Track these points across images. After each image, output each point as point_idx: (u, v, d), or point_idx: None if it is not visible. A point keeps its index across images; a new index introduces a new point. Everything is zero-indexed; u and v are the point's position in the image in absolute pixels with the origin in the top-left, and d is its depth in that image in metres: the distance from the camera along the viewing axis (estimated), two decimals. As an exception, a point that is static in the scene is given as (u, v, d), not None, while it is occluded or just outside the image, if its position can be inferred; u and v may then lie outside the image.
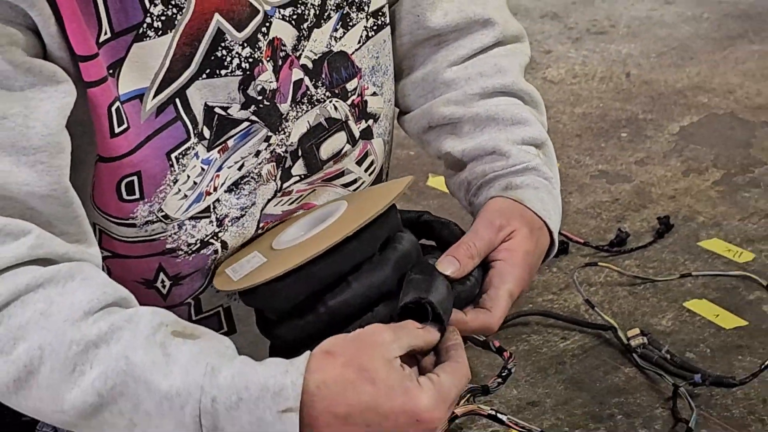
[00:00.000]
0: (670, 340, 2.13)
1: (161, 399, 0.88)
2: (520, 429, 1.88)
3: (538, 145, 1.15)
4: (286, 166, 1.09)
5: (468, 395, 1.92)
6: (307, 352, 0.89)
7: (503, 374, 1.97)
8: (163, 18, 0.94)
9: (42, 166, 0.90)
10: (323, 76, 1.08)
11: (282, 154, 1.08)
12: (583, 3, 3.83)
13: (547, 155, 1.16)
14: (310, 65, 1.07)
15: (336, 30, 1.08)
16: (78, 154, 0.96)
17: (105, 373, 0.88)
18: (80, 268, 0.92)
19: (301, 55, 1.06)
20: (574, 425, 1.94)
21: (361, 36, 1.11)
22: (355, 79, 1.12)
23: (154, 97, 0.97)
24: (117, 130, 0.95)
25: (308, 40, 1.06)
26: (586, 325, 2.19)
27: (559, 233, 2.41)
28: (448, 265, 1.01)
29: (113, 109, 0.94)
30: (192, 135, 1.00)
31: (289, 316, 0.99)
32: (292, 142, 1.08)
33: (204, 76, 0.99)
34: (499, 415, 1.90)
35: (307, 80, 1.07)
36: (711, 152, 2.85)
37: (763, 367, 2.02)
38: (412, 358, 0.95)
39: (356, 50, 1.11)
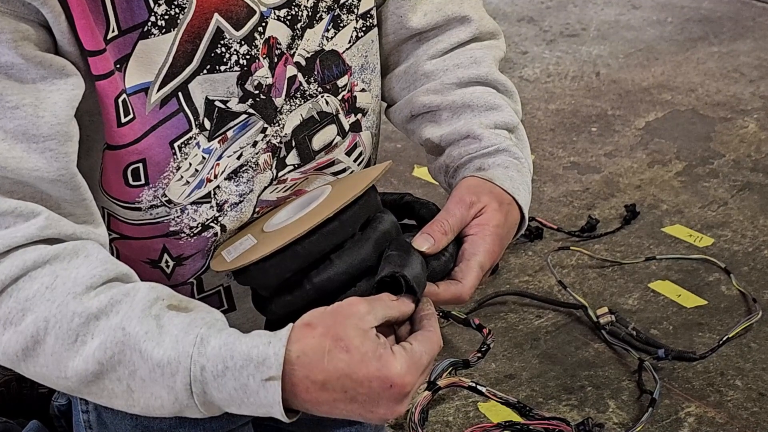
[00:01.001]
0: (636, 318, 2.13)
1: (154, 366, 0.87)
2: (498, 399, 1.88)
3: (510, 129, 1.14)
4: (281, 156, 1.08)
5: (450, 369, 1.92)
6: (290, 325, 0.89)
7: (483, 349, 1.98)
8: (166, 17, 0.94)
9: (51, 153, 0.89)
10: (315, 72, 1.07)
11: (277, 145, 1.07)
12: (557, 8, 3.83)
13: (518, 138, 1.15)
14: (303, 62, 1.06)
15: (328, 30, 1.07)
16: (87, 142, 0.96)
17: (104, 343, 0.88)
18: (84, 246, 0.92)
19: (294, 53, 1.05)
20: (547, 396, 1.94)
21: (351, 36, 1.11)
22: (346, 76, 1.11)
23: (159, 90, 0.96)
24: (123, 120, 0.95)
25: (301, 39, 1.05)
26: (559, 305, 2.19)
27: (535, 220, 2.44)
28: (424, 241, 1.00)
29: (120, 100, 0.94)
30: (194, 126, 0.99)
31: (279, 292, 0.99)
32: (286, 134, 1.07)
33: (205, 71, 0.98)
34: (478, 387, 1.90)
35: (300, 76, 1.06)
36: (674, 145, 2.85)
37: (721, 342, 2.02)
38: (389, 328, 0.93)
39: (347, 49, 1.10)
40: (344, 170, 1.15)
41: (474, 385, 1.87)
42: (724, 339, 2.03)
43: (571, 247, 2.37)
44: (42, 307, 0.88)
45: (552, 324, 2.14)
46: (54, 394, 1.72)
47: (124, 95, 0.94)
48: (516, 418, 1.84)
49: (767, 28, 3.60)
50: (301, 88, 1.06)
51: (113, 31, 0.92)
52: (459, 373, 1.92)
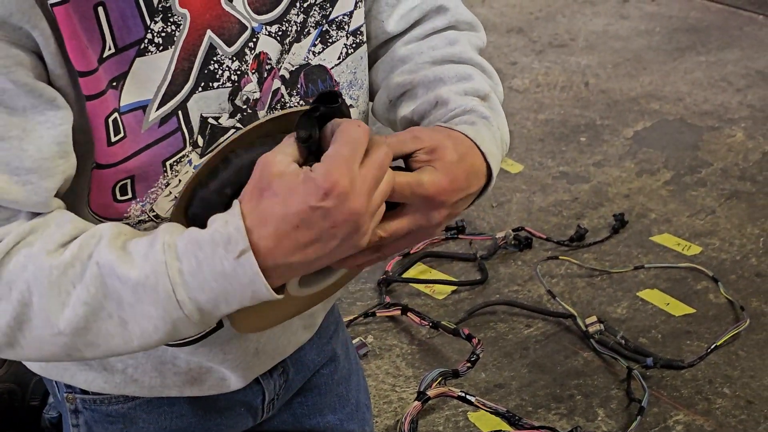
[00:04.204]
0: (625, 326, 2.14)
1: (135, 286, 0.89)
2: (488, 409, 1.88)
3: (481, 97, 1.11)
4: None
5: (439, 379, 1.93)
6: (236, 201, 0.90)
7: (472, 359, 1.99)
8: (163, 34, 0.94)
9: (31, 187, 0.91)
10: (299, 86, 1.08)
11: None
12: (546, 18, 3.84)
13: (492, 108, 1.11)
14: (287, 75, 1.06)
15: (315, 45, 1.08)
16: (81, 162, 0.96)
17: (85, 284, 0.89)
18: (53, 216, 0.94)
19: (281, 67, 1.05)
20: (537, 405, 1.95)
21: (341, 53, 1.11)
22: None
23: (158, 108, 0.96)
24: (114, 139, 0.95)
25: (288, 53, 1.06)
26: (548, 314, 2.20)
27: (524, 229, 2.45)
28: None
29: (110, 120, 0.94)
30: (187, 144, 0.99)
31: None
32: None
33: (200, 89, 0.98)
34: (468, 397, 1.90)
35: (283, 89, 1.07)
36: (662, 154, 2.86)
37: (709, 350, 2.04)
38: None
39: (336, 65, 1.10)
40: None
41: (463, 394, 1.87)
42: (712, 347, 2.04)
43: (560, 257, 2.38)
44: (22, 273, 0.90)
45: (541, 333, 2.15)
46: (45, 406, 1.72)
47: (115, 114, 0.94)
48: (505, 427, 1.85)
49: (754, 38, 3.62)
50: (282, 100, 1.07)
51: (109, 49, 0.92)
52: (448, 383, 1.93)
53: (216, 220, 0.89)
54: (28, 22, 0.87)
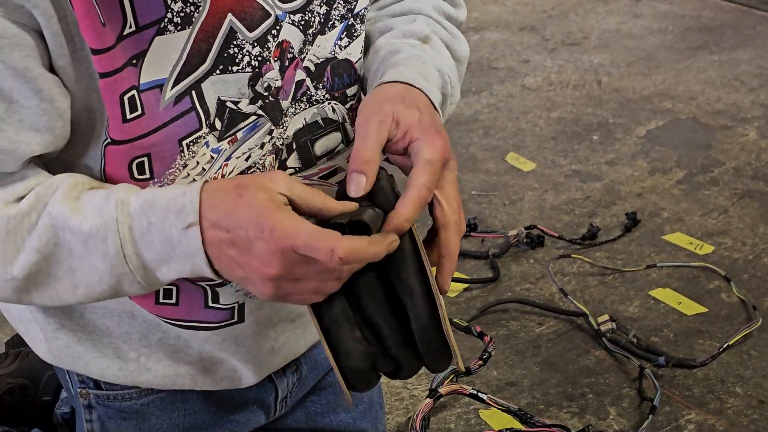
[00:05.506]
0: (637, 325, 2.14)
1: (86, 238, 0.92)
2: (499, 407, 1.88)
3: (422, 39, 1.11)
4: (282, 158, 1.08)
5: (451, 376, 1.92)
6: (202, 181, 0.94)
7: (484, 357, 1.99)
8: (182, 14, 0.95)
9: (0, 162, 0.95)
10: (325, 79, 1.08)
11: (279, 147, 1.07)
12: (559, 16, 3.83)
13: (434, 48, 1.11)
14: (312, 68, 1.06)
15: (341, 39, 1.08)
16: (84, 138, 0.98)
17: (38, 232, 0.94)
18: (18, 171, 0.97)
19: (305, 57, 1.05)
20: (548, 403, 1.94)
21: (363, 47, 1.11)
22: (356, 86, 1.12)
23: (173, 87, 0.97)
24: (129, 116, 0.96)
25: (312, 45, 1.06)
26: (560, 312, 2.19)
27: (536, 227, 2.44)
28: (356, 186, 0.95)
29: (126, 97, 0.95)
30: (204, 125, 1.00)
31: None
32: (288, 136, 1.07)
33: (218, 71, 0.99)
34: (480, 395, 1.90)
35: (308, 81, 1.07)
36: (675, 153, 2.85)
37: (721, 350, 2.03)
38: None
39: (359, 59, 1.11)
40: None
41: (475, 392, 1.87)
42: (725, 346, 2.04)
43: (573, 255, 2.38)
44: None
45: (553, 331, 2.15)
46: (57, 402, 1.72)
47: (133, 91, 0.95)
48: (517, 425, 1.84)
49: (767, 37, 3.61)
50: (308, 92, 1.07)
51: (130, 27, 0.93)
52: (460, 380, 1.93)
53: (176, 188, 0.92)
54: (29, 1, 0.87)
